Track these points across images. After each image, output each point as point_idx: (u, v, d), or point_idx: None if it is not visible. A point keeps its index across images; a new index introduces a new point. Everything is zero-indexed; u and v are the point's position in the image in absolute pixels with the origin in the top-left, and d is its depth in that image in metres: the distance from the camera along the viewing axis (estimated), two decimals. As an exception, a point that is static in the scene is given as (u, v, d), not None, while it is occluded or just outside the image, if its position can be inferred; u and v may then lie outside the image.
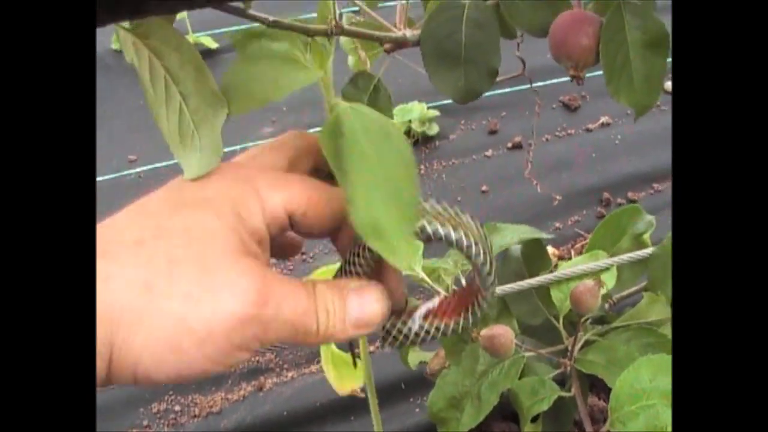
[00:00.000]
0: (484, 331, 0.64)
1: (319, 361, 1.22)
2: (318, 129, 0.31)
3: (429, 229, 0.30)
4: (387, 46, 0.60)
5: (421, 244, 0.70)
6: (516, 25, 0.59)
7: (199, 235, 0.29)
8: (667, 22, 0.48)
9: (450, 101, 0.63)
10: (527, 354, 0.69)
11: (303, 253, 1.40)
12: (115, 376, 0.28)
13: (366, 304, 0.32)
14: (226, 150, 0.34)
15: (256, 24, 0.54)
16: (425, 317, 0.34)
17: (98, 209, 0.28)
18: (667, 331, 0.69)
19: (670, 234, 0.73)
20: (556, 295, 0.72)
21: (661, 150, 1.58)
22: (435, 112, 1.69)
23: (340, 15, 0.56)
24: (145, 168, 1.66)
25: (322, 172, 0.36)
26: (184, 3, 0.31)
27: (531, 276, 0.77)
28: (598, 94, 1.74)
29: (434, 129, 1.69)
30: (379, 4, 0.67)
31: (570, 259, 1.36)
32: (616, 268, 0.73)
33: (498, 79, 0.58)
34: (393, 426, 1.11)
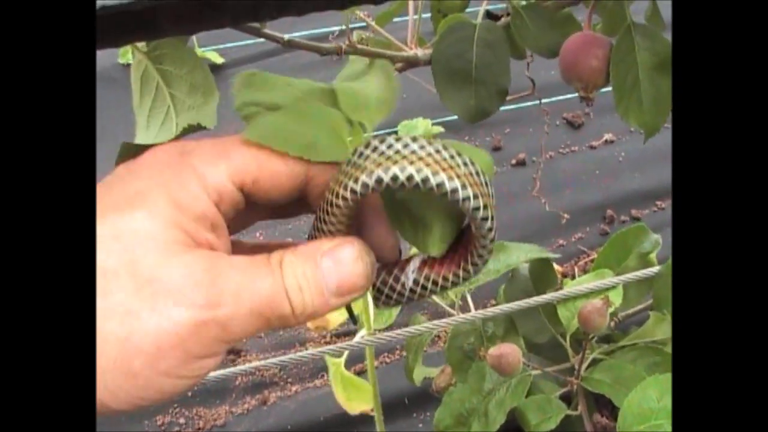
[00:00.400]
0: (491, 350, 0.65)
1: (323, 376, 1.23)
2: None
3: (417, 178, 0.25)
4: (398, 65, 0.60)
5: None
6: (526, 46, 0.60)
7: (131, 241, 0.25)
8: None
9: (455, 117, 0.63)
10: (534, 372, 0.69)
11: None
12: None
13: (344, 265, 0.27)
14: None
15: (261, 39, 0.55)
16: (419, 270, 0.30)
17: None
18: (674, 350, 0.69)
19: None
20: (563, 313, 0.72)
21: (664, 167, 1.58)
22: (439, 128, 1.70)
23: (352, 31, 0.57)
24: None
25: None
26: (205, 23, 0.31)
27: (538, 294, 0.78)
28: (602, 111, 1.74)
29: (439, 145, 1.70)
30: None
31: (574, 276, 1.36)
32: (621, 286, 0.74)
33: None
34: (397, 441, 1.11)
